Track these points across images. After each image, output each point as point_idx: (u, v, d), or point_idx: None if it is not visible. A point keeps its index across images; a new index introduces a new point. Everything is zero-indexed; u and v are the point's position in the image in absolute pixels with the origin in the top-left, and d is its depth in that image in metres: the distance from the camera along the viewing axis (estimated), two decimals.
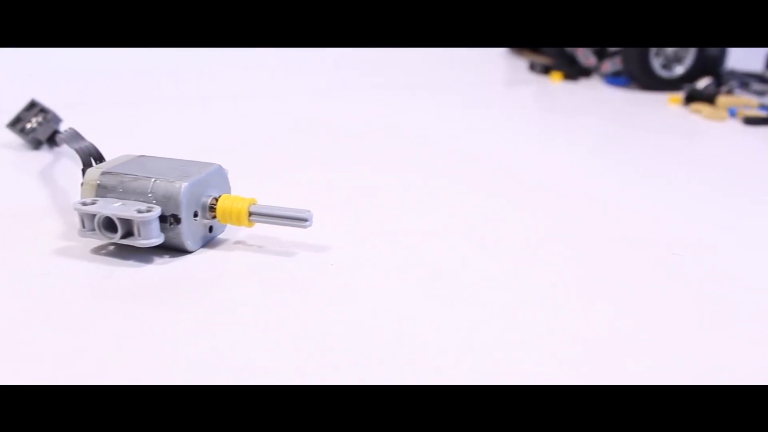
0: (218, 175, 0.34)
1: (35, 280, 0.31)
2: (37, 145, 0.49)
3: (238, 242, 0.35)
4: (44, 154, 0.49)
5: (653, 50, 0.72)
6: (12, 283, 0.31)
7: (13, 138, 0.51)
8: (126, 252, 0.33)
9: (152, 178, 0.33)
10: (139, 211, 0.32)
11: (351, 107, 0.66)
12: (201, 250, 0.34)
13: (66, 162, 0.47)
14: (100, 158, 0.37)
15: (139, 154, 0.36)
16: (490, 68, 0.87)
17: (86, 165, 0.36)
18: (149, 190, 0.32)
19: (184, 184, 0.32)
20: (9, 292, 0.30)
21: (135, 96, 0.67)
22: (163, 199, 0.32)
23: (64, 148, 0.49)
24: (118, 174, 0.33)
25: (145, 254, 0.33)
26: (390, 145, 0.54)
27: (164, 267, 0.32)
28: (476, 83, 0.80)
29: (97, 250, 0.34)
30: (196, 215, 0.33)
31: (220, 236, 0.35)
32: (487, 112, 0.66)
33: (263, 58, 0.83)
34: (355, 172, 0.47)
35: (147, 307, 0.29)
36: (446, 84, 0.79)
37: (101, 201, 0.33)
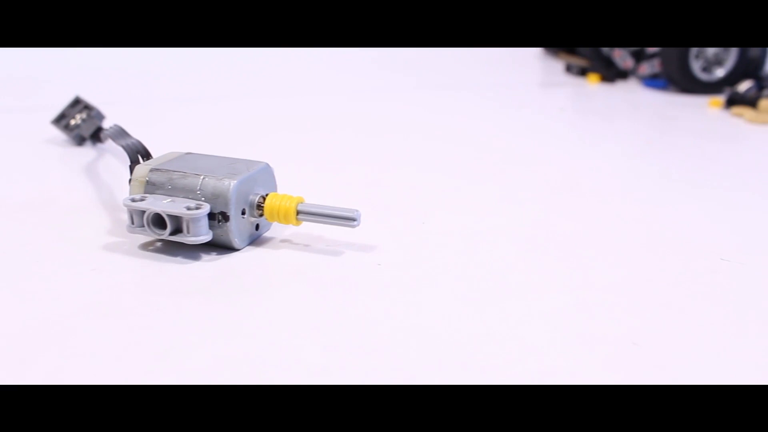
0: (265, 174, 0.35)
1: (84, 276, 0.31)
2: (80, 141, 0.50)
3: (284, 240, 0.35)
4: (88, 151, 0.49)
5: (693, 52, 0.71)
6: (61, 279, 0.31)
7: (57, 134, 0.51)
8: (173, 248, 0.34)
9: (201, 175, 0.33)
10: (189, 208, 0.32)
11: (386, 107, 0.66)
12: (247, 247, 0.34)
13: (109, 158, 0.48)
14: (147, 155, 0.37)
15: (186, 151, 0.36)
16: (525, 69, 0.87)
17: (134, 162, 0.37)
18: (198, 188, 0.33)
19: (233, 182, 0.32)
20: (59, 287, 0.30)
21: (163, 94, 0.68)
22: (212, 197, 0.32)
23: (108, 145, 0.49)
24: (166, 171, 0.33)
25: (192, 251, 0.33)
26: (426, 145, 0.54)
27: (212, 264, 0.32)
28: (512, 84, 0.79)
29: (145, 246, 0.34)
30: (243, 213, 0.33)
31: (266, 234, 0.35)
32: (524, 114, 0.66)
33: (303, 58, 0.83)
34: (394, 171, 0.47)
35: (196, 304, 0.29)
36: (481, 85, 0.78)
37: (150, 198, 0.33)
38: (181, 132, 0.55)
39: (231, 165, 0.34)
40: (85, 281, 0.31)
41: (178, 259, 0.33)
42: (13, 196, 0.40)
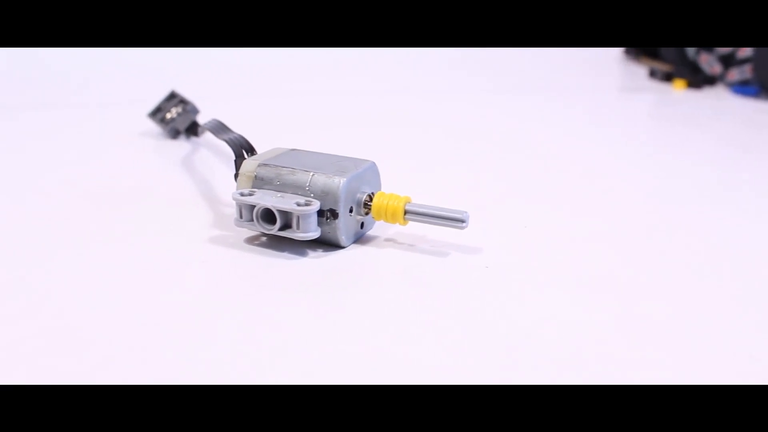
0: (372, 172, 0.34)
1: (194, 267, 0.32)
2: (175, 134, 0.51)
3: (388, 240, 0.35)
4: (182, 144, 0.50)
5: None
6: (172, 270, 0.31)
7: (152, 127, 0.52)
8: (280, 244, 0.34)
9: (310, 172, 0.33)
10: (299, 204, 0.32)
11: (465, 109, 0.65)
12: (353, 245, 0.34)
13: (204, 152, 0.48)
14: (250, 149, 0.38)
15: (290, 147, 0.37)
16: (604, 73, 0.85)
17: (238, 156, 0.37)
18: (307, 184, 0.33)
19: (343, 180, 0.32)
20: (169, 280, 0.31)
21: (256, 91, 0.68)
22: (322, 194, 0.32)
23: (203, 138, 0.50)
24: (275, 167, 0.34)
25: (299, 247, 0.33)
26: (508, 149, 0.53)
27: (319, 261, 0.32)
28: (591, 89, 0.78)
29: (251, 241, 0.34)
30: (351, 211, 0.33)
31: (369, 233, 0.35)
32: (607, 119, 0.65)
33: (380, 57, 0.83)
34: (483, 174, 0.47)
35: (307, 301, 0.29)
36: (559, 88, 0.77)
37: (259, 192, 0.33)
38: (263, 128, 0.55)
39: (338, 162, 0.34)
40: (194, 273, 0.31)
41: (285, 254, 0.33)
42: (114, 187, 0.41)
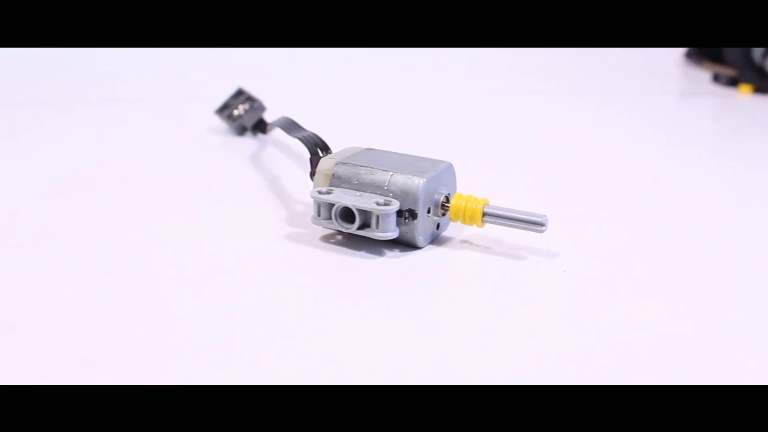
0: (449, 173, 0.34)
1: (272, 264, 0.32)
2: (242, 131, 0.51)
3: (463, 241, 0.35)
4: (249, 141, 0.51)
5: None
6: (250, 268, 0.32)
7: (218, 123, 0.53)
8: (355, 243, 0.34)
9: (389, 171, 0.33)
10: (378, 204, 0.32)
11: (522, 111, 0.65)
12: (429, 246, 0.34)
13: (271, 149, 0.49)
14: (325, 148, 0.38)
15: (366, 146, 0.37)
16: (665, 77, 0.84)
17: (313, 154, 0.37)
18: (386, 184, 0.33)
19: (423, 180, 0.32)
20: (249, 276, 0.31)
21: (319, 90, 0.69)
22: (401, 194, 0.32)
23: (270, 136, 0.51)
24: (353, 165, 0.34)
25: (375, 246, 0.33)
26: (571, 153, 0.52)
27: (397, 261, 0.32)
28: (651, 92, 0.76)
29: (326, 239, 0.34)
30: (428, 211, 0.33)
31: (444, 234, 0.35)
32: (669, 125, 0.64)
33: (435, 58, 0.83)
34: (549, 178, 0.46)
35: (388, 300, 0.29)
36: (618, 92, 0.76)
37: (337, 191, 0.33)
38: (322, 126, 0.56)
39: (415, 163, 0.34)
40: (272, 270, 0.31)
41: (362, 253, 0.33)
42: (184, 184, 0.42)
